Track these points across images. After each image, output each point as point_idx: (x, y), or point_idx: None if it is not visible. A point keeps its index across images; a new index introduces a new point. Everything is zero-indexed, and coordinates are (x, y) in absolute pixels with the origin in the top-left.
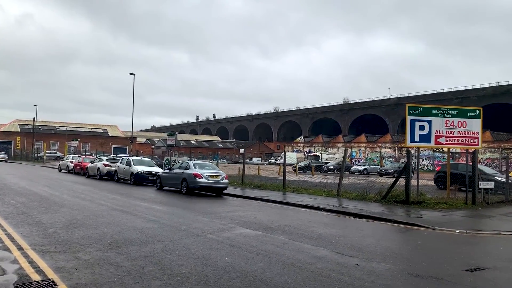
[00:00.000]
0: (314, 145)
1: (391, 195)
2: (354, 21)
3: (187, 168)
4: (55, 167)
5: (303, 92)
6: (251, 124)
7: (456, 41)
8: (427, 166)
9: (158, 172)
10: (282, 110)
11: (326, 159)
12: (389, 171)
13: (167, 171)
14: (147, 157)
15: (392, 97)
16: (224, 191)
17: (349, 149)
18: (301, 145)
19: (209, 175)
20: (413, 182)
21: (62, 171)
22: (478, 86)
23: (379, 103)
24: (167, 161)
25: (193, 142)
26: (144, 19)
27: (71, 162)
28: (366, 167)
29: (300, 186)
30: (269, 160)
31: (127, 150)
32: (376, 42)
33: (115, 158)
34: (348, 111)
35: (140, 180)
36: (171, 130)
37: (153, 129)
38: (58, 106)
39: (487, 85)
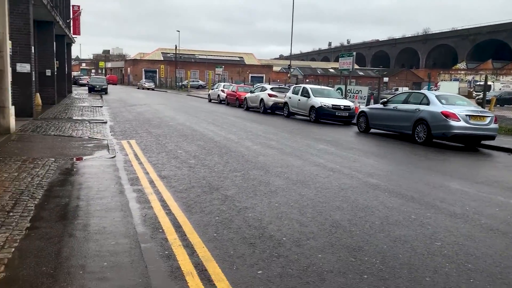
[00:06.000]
0: (480, 72)
1: None
2: None
3: (425, 102)
4: (201, 96)
5: (420, 11)
6: (393, 49)
7: None
8: None
9: (350, 106)
10: (434, 32)
11: (500, 89)
12: None
13: (380, 106)
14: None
15: None
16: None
17: None
18: (462, 72)
19: (469, 115)
20: None
21: (212, 101)
22: None
23: None
24: (339, 90)
25: (330, 70)
26: None
27: (223, 91)
28: None
29: None
30: None
31: (264, 79)
32: None
33: (280, 87)
34: None
35: (326, 116)
36: (301, 58)
37: (282, 57)
38: (174, 36)
39: None
